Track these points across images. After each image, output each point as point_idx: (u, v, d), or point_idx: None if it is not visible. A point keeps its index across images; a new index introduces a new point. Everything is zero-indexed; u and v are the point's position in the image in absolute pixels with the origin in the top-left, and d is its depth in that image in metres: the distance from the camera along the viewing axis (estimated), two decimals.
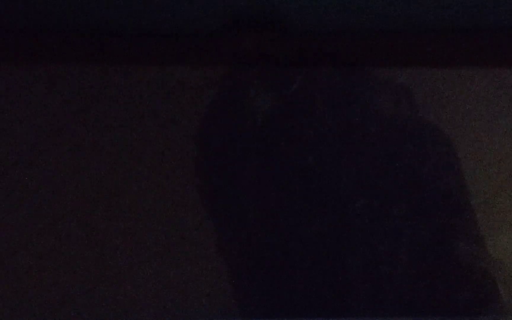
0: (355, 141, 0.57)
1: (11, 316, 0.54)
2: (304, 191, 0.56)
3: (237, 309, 0.54)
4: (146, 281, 0.54)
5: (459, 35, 0.59)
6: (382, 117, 0.58)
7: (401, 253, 0.55)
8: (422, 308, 0.54)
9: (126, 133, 0.57)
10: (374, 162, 0.57)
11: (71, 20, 0.57)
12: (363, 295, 0.55)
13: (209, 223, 0.55)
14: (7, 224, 0.55)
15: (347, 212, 0.56)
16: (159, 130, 0.57)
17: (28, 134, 0.57)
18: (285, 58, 0.59)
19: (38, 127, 0.57)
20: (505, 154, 0.57)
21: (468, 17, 0.57)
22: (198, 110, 0.58)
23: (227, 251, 0.55)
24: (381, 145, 0.57)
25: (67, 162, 0.56)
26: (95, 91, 0.58)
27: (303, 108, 0.58)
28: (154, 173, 0.56)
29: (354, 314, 0.54)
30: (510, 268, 0.55)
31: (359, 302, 0.54)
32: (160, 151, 0.57)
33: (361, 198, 0.56)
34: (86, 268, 0.54)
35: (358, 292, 0.55)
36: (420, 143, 0.57)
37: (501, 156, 0.57)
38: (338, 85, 0.59)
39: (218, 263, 0.55)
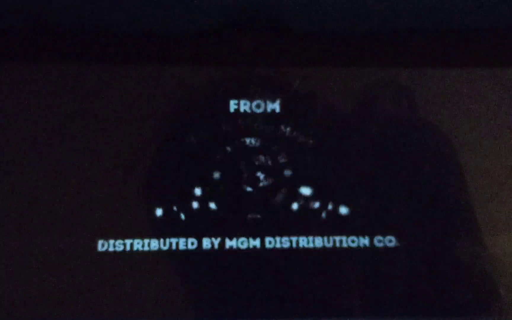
0: (355, 141, 0.57)
1: (11, 316, 0.54)
2: (304, 191, 0.56)
3: (237, 309, 0.54)
4: (146, 281, 0.54)
5: (459, 35, 0.59)
6: (382, 117, 0.58)
7: (401, 253, 0.55)
8: (422, 308, 0.54)
9: (126, 133, 0.57)
10: (374, 162, 0.57)
11: (71, 20, 0.57)
12: (363, 295, 0.55)
13: (208, 222, 0.56)
14: (7, 224, 0.55)
15: (347, 212, 0.56)
16: (159, 129, 0.57)
17: (28, 134, 0.57)
18: (285, 58, 0.59)
19: (38, 127, 0.57)
20: (505, 154, 0.57)
21: (468, 17, 0.57)
22: (197, 110, 0.58)
23: (227, 251, 0.55)
24: (381, 145, 0.57)
25: (67, 162, 0.56)
26: (95, 91, 0.58)
27: (303, 108, 0.58)
28: (153, 172, 0.56)
29: (354, 314, 0.54)
30: (510, 268, 0.55)
31: (359, 302, 0.54)
32: (159, 150, 0.57)
33: (361, 198, 0.56)
34: (86, 268, 0.54)
35: (358, 292, 0.55)
36: (420, 143, 0.57)
37: (501, 156, 0.57)
38: (338, 85, 0.59)
39: (218, 263, 0.55)
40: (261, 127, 0.58)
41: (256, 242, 0.55)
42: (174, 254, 0.55)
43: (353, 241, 0.55)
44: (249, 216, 0.56)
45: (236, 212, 0.56)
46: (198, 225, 0.55)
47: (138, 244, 0.55)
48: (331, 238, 0.55)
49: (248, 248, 0.55)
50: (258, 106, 0.58)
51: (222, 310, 0.54)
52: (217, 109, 0.58)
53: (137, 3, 0.55)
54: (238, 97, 0.58)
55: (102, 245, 0.55)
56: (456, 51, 0.59)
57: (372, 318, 0.54)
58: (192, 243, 0.55)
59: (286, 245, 0.55)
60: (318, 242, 0.55)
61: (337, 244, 0.55)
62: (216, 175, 0.56)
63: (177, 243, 0.55)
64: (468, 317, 0.54)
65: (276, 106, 0.58)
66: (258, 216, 0.56)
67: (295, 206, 0.56)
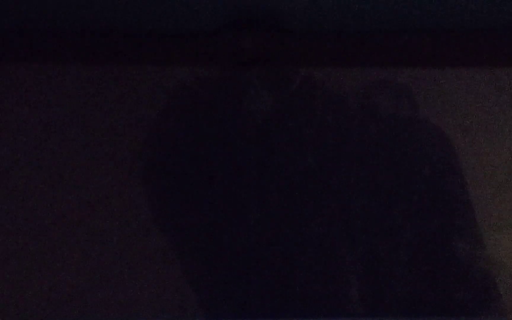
0: (355, 141, 0.57)
1: (11, 316, 0.54)
2: (304, 191, 0.56)
3: (237, 309, 0.54)
4: (146, 281, 0.54)
5: (459, 35, 0.59)
6: (382, 117, 0.58)
7: (401, 253, 0.55)
8: (422, 308, 0.54)
9: (126, 133, 0.57)
10: (374, 162, 0.57)
11: (71, 20, 0.57)
12: (363, 295, 0.55)
13: (209, 223, 0.56)
14: (7, 224, 0.55)
15: (347, 212, 0.56)
16: (159, 129, 0.57)
17: (28, 134, 0.57)
18: (285, 58, 0.59)
19: (38, 127, 0.57)
20: (505, 154, 0.57)
21: (468, 17, 0.57)
22: (198, 110, 0.58)
23: (227, 252, 0.55)
24: (381, 145, 0.57)
25: (67, 162, 0.56)
26: (95, 91, 0.58)
27: (303, 108, 0.58)
28: (154, 173, 0.56)
29: (354, 314, 0.54)
30: (510, 268, 0.55)
31: (359, 301, 0.54)
32: (160, 150, 0.57)
33: (361, 198, 0.56)
34: (86, 268, 0.54)
35: (358, 292, 0.55)
36: (420, 143, 0.58)
37: (501, 156, 0.57)
38: (338, 85, 0.59)
39: (218, 263, 0.55)
40: (260, 127, 0.58)
41: (256, 242, 0.55)
42: (173, 254, 0.55)
43: (352, 241, 0.55)
44: (249, 216, 0.56)
45: (236, 212, 0.56)
46: (197, 225, 0.55)
47: (138, 243, 0.55)
48: (330, 236, 0.55)
49: (248, 247, 0.55)
50: (257, 106, 0.58)
51: (222, 310, 0.54)
52: (217, 109, 0.58)
53: (137, 3, 0.55)
54: (238, 97, 0.58)
55: (101, 245, 0.55)
56: (456, 51, 0.59)
57: (372, 318, 0.54)
58: (192, 243, 0.55)
59: (285, 244, 0.55)
60: (317, 241, 0.55)
61: (337, 244, 0.55)
62: (216, 175, 0.56)
63: (177, 243, 0.55)
64: (468, 316, 0.54)
65: (275, 106, 0.58)
66: (258, 216, 0.56)
67: (294, 205, 0.56)
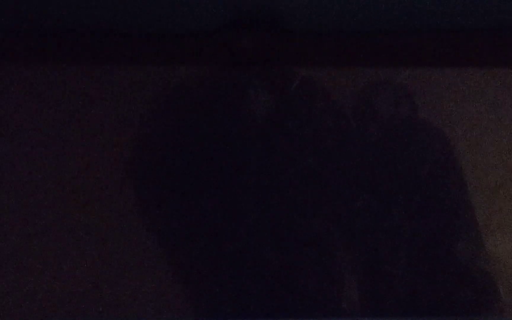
0: (355, 141, 0.57)
1: (11, 316, 0.54)
2: (304, 191, 0.56)
3: (237, 309, 0.54)
4: (146, 281, 0.54)
5: (459, 35, 0.59)
6: (382, 117, 0.58)
7: (401, 253, 0.55)
8: (422, 308, 0.54)
9: (126, 133, 0.57)
10: (374, 162, 0.57)
11: (71, 20, 0.57)
12: (363, 294, 0.54)
13: (209, 223, 0.56)
14: (7, 224, 0.55)
15: (347, 212, 0.56)
16: (159, 130, 0.57)
17: (28, 134, 0.57)
18: (285, 58, 0.59)
19: (38, 127, 0.57)
20: (505, 154, 0.57)
21: (468, 17, 0.57)
22: (197, 110, 0.58)
23: (227, 251, 0.55)
24: (381, 145, 0.57)
25: (66, 162, 0.56)
26: (95, 91, 0.58)
27: (303, 108, 0.58)
28: (153, 172, 0.56)
29: (354, 314, 0.54)
30: (510, 268, 0.55)
31: (359, 301, 0.54)
32: (159, 150, 0.57)
33: (361, 198, 0.56)
34: (86, 268, 0.54)
35: (358, 292, 0.55)
36: (420, 143, 0.58)
37: (501, 156, 0.57)
38: (338, 85, 0.59)
39: (217, 263, 0.55)
40: (260, 127, 0.58)
41: (256, 242, 0.55)
42: (173, 254, 0.55)
43: (352, 241, 0.55)
44: (249, 216, 0.56)
45: (235, 212, 0.56)
46: (197, 225, 0.55)
47: (138, 243, 0.55)
48: (330, 236, 0.55)
49: (248, 247, 0.55)
50: (257, 106, 0.58)
51: (222, 310, 0.54)
52: (217, 109, 0.58)
53: (137, 3, 0.55)
54: (238, 97, 0.58)
55: (101, 245, 0.55)
56: (456, 51, 0.59)
57: (372, 318, 0.54)
58: (192, 243, 0.55)
59: (285, 244, 0.55)
60: (317, 241, 0.55)
61: (337, 244, 0.55)
62: (216, 175, 0.56)
63: (176, 243, 0.55)
64: (468, 316, 0.54)
65: (275, 106, 0.58)
66: (258, 216, 0.56)
67: (294, 205, 0.56)
